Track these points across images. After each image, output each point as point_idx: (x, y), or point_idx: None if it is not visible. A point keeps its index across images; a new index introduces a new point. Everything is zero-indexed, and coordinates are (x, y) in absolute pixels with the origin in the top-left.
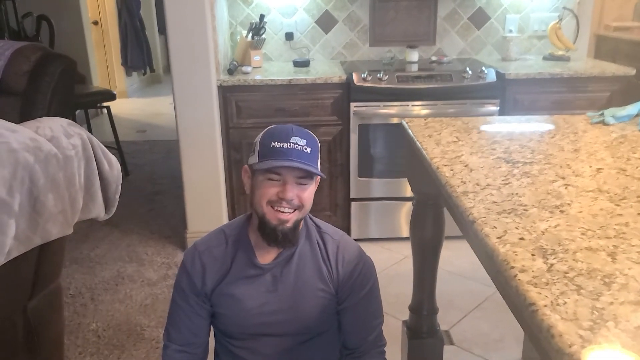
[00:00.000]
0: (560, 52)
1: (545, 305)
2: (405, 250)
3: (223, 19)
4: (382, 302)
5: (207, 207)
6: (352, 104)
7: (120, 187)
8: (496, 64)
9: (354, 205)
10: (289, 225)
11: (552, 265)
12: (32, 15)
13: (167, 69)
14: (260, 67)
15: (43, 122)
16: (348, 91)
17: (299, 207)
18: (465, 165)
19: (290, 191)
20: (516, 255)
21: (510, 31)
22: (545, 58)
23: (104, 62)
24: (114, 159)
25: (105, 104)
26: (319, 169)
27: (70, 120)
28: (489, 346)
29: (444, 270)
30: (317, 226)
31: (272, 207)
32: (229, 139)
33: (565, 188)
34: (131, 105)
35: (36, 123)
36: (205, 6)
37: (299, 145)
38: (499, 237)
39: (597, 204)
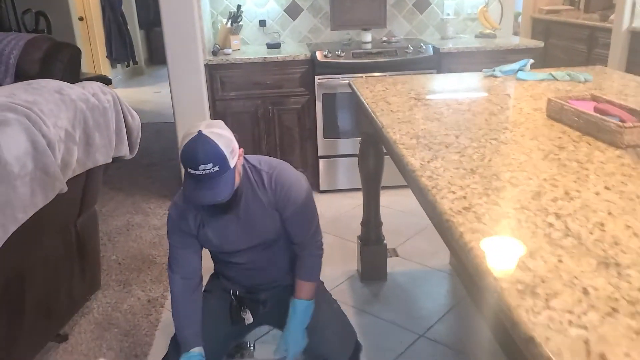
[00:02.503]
0: (488, 31)
1: (418, 166)
2: None
3: (206, 10)
4: (346, 234)
5: None
6: (317, 77)
7: (140, 134)
8: (436, 42)
9: (321, 162)
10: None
11: (420, 142)
12: (31, 11)
13: (148, 61)
14: (238, 49)
15: (86, 84)
16: (313, 67)
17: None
18: (387, 102)
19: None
20: (403, 141)
21: (448, 14)
22: (476, 36)
23: (90, 55)
24: (134, 113)
25: None
26: (230, 161)
27: (103, 84)
28: (425, 257)
29: (393, 210)
30: (254, 166)
31: None
32: (216, 109)
33: (448, 109)
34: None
35: (81, 84)
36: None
37: (207, 169)
38: (394, 134)
39: (463, 117)
